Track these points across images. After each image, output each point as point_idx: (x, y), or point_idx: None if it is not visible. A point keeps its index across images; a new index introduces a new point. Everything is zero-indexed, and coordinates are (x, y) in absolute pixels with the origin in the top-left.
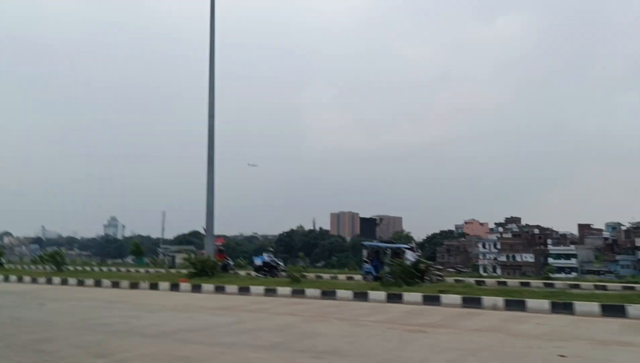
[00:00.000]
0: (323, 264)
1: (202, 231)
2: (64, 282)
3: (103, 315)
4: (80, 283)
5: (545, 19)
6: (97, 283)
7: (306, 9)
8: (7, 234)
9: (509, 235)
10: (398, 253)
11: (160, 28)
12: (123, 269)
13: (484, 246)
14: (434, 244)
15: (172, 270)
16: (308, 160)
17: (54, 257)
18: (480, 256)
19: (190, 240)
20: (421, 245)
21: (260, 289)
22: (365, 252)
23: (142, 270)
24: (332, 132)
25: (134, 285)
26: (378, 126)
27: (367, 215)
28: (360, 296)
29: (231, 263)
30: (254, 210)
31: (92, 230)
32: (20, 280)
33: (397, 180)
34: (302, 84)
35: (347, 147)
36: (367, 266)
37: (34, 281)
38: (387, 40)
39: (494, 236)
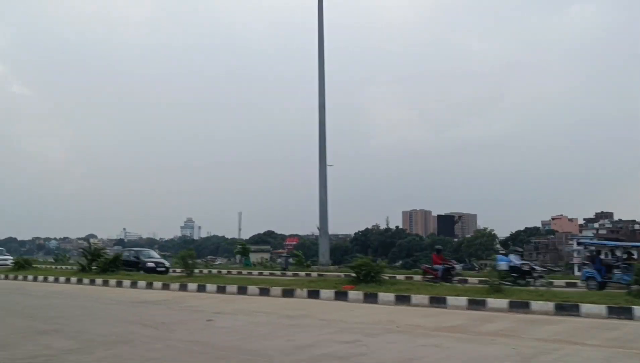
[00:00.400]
0: (401, 263)
1: (276, 231)
2: (201, 289)
3: (309, 339)
4: (221, 289)
5: (619, 5)
6: (242, 290)
7: (366, 6)
8: (92, 236)
9: (604, 231)
10: (630, 253)
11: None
12: (234, 271)
13: (578, 244)
14: (519, 242)
15: (289, 273)
16: (375, 158)
17: (185, 259)
18: (575, 254)
19: (266, 239)
20: (504, 243)
21: (461, 300)
22: (584, 253)
23: (255, 272)
24: (399, 129)
25: (287, 293)
26: (445, 120)
27: (439, 213)
28: (618, 312)
29: (457, 266)
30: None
31: (169, 231)
32: (150, 285)
33: (468, 176)
34: (366, 82)
35: (415, 143)
36: (588, 269)
37: (165, 287)
38: (451, 33)
39: (589, 233)
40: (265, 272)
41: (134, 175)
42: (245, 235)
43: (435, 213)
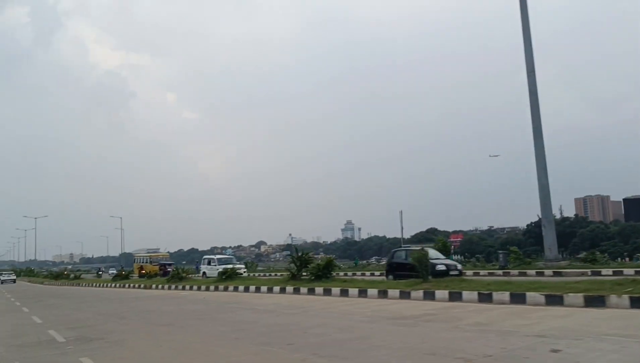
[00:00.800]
0: (585, 255)
1: (439, 228)
2: (455, 297)
3: None
4: (485, 298)
5: None
6: (517, 299)
7: None
8: (262, 243)
9: None
10: None
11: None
12: None
13: None
14: None
15: (513, 271)
16: None
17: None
18: None
19: (428, 237)
20: None
21: None
22: None
23: (469, 272)
24: (562, 111)
25: (592, 301)
26: (614, 98)
27: (616, 197)
28: None
29: None
30: (486, 203)
31: (331, 234)
32: (384, 294)
33: None
34: (519, 66)
35: (581, 125)
36: None
37: (403, 295)
38: (618, 4)
39: None
40: (483, 272)
41: (294, 183)
42: (407, 234)
43: (613, 198)
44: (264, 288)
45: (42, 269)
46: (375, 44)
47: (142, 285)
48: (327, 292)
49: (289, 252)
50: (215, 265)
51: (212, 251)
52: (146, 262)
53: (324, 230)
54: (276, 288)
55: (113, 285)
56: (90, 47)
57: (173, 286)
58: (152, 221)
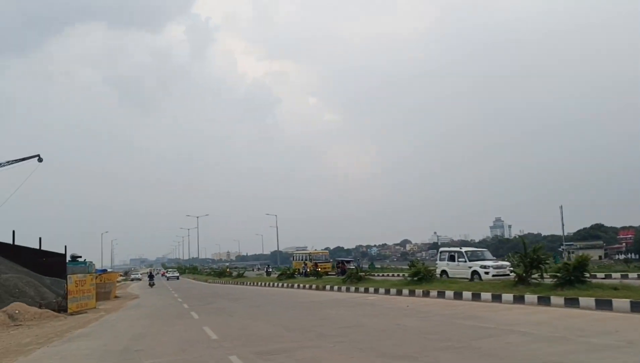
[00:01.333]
0: None
1: (605, 223)
2: None
3: None
4: None
5: None
6: None
7: None
8: (407, 242)
9: None
10: None
11: None
12: None
13: None
14: None
15: None
16: None
17: None
18: None
19: (595, 234)
20: None
21: None
22: None
23: None
24: None
25: None
26: None
27: None
28: None
29: None
30: None
31: (478, 232)
32: None
33: None
34: None
35: None
36: None
37: None
38: None
39: None
40: None
41: (437, 179)
42: (567, 231)
43: None
44: (485, 295)
45: (204, 266)
46: (507, 26)
47: (313, 286)
48: (601, 305)
49: (435, 251)
50: (464, 262)
51: (357, 249)
52: (305, 260)
53: (470, 227)
54: (506, 296)
55: (279, 284)
56: (239, 58)
57: (352, 288)
58: (296, 220)
